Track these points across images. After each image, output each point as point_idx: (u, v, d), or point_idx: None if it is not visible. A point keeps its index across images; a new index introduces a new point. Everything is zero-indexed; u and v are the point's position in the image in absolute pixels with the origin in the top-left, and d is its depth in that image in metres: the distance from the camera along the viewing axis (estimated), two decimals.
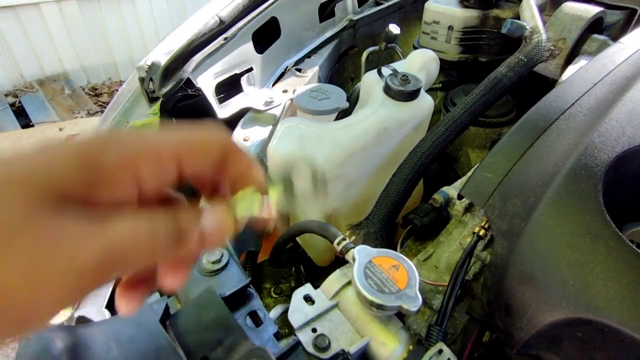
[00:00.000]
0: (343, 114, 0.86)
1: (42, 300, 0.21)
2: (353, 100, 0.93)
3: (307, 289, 0.54)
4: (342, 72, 1.32)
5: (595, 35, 0.96)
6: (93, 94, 3.83)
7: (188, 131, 0.27)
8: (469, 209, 0.69)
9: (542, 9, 1.05)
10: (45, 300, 0.21)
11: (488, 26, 1.14)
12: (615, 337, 0.39)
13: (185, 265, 0.29)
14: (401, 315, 0.51)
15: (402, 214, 0.75)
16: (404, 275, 0.46)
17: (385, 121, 0.77)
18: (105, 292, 0.63)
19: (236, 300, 0.54)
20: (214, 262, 0.57)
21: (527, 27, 0.95)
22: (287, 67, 1.10)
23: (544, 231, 0.47)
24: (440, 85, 1.27)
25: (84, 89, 3.78)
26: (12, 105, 3.37)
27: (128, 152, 0.24)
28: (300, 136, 0.71)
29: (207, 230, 0.27)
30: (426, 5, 1.17)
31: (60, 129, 2.93)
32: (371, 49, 1.14)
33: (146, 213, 0.25)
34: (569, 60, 0.96)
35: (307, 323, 0.50)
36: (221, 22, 0.86)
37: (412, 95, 0.79)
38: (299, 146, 0.70)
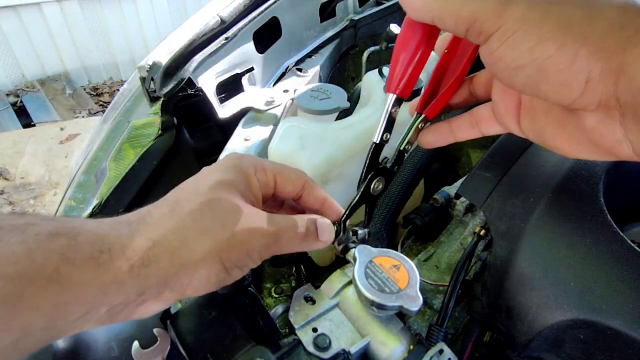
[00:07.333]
0: (344, 114, 0.86)
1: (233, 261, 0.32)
2: (354, 100, 0.93)
3: (308, 289, 0.54)
4: (343, 72, 1.32)
5: None
6: (94, 93, 3.84)
7: (281, 165, 0.40)
8: (469, 209, 0.68)
9: None
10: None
11: None
12: (619, 339, 0.39)
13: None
14: (402, 315, 0.50)
15: (403, 214, 0.75)
16: (405, 276, 0.46)
17: None
18: None
19: (237, 300, 0.54)
20: None
21: None
22: (289, 67, 1.09)
23: (544, 232, 0.47)
24: None
25: (85, 89, 3.79)
26: (13, 105, 3.39)
27: (250, 162, 0.37)
28: (301, 136, 0.71)
29: (322, 229, 0.39)
30: None
31: (62, 129, 2.93)
32: (372, 49, 1.14)
33: (283, 214, 0.38)
34: None
35: (308, 323, 0.50)
36: (222, 22, 0.86)
37: (413, 96, 0.79)
38: (300, 146, 0.70)
